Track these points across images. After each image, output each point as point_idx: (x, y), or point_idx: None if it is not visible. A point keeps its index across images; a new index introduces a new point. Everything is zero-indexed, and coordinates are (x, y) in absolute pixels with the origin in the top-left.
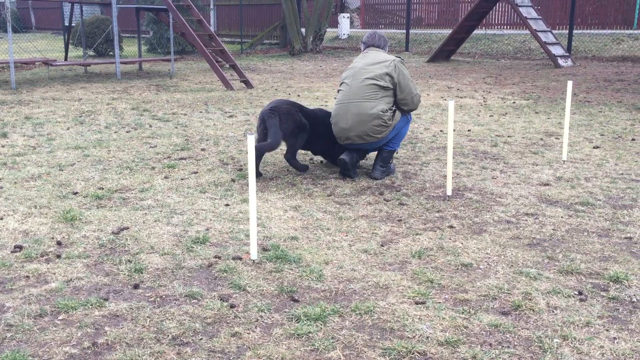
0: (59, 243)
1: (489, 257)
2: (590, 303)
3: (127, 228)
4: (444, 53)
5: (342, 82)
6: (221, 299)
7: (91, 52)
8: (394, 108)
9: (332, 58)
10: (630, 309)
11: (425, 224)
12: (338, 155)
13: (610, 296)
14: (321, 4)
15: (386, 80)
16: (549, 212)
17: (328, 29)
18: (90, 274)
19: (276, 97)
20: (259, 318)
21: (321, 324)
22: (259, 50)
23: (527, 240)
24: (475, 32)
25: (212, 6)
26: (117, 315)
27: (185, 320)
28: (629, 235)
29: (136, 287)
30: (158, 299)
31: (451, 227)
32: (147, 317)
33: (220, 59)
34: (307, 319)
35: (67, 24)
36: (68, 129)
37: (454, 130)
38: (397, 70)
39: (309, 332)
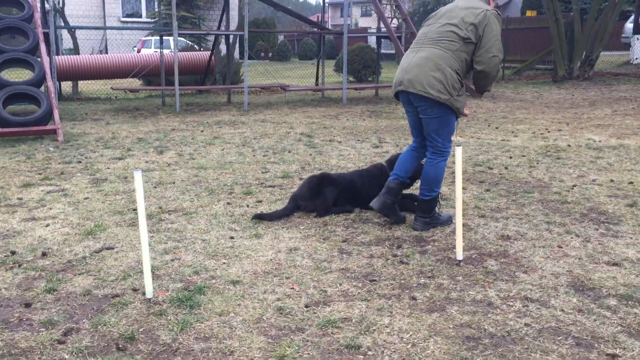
0: (44, 254)
1: (393, 344)
2: None
3: (111, 248)
4: None
5: (422, 25)
6: (64, 333)
7: (351, 78)
8: (462, 82)
9: (597, 86)
10: None
11: (392, 290)
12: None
13: None
14: (598, 26)
15: (469, 30)
16: (558, 301)
17: (620, 52)
18: (11, 287)
19: (473, 126)
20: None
21: None
22: (526, 76)
23: (473, 331)
24: None
25: None
26: None
27: None
28: None
29: (27, 305)
30: (15, 321)
31: (413, 298)
32: None
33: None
34: None
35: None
36: (223, 149)
37: (612, 180)
38: (486, 20)
39: None
